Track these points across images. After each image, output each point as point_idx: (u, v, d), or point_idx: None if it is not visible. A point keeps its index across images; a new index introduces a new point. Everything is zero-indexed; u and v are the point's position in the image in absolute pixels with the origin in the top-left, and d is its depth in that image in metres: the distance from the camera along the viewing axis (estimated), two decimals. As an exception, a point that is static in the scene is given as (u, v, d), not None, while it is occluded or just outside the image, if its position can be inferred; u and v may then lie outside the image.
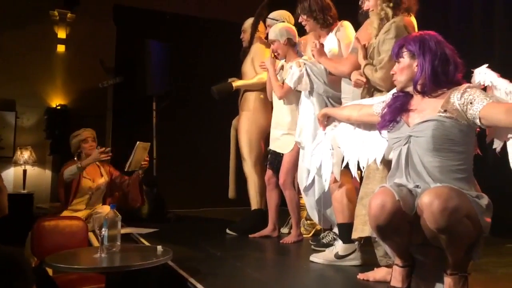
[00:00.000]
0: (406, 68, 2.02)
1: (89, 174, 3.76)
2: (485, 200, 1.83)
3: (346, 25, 3.14)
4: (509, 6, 3.82)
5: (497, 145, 1.94)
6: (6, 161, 5.55)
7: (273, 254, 3.35)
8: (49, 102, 5.84)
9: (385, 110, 2.12)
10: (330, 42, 3.13)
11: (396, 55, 2.06)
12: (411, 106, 2.02)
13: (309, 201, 3.13)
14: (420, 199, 1.77)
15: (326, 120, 2.57)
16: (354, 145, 2.40)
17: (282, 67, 3.55)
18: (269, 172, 3.62)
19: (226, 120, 4.35)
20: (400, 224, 1.84)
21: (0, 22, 5.53)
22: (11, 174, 5.60)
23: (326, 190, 2.74)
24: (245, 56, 4.16)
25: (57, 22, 5.91)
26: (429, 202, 1.71)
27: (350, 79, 2.65)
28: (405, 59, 2.02)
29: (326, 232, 3.18)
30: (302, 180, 3.07)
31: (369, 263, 2.53)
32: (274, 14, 3.87)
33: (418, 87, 1.99)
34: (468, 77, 2.02)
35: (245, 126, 4.03)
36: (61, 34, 5.93)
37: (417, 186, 1.89)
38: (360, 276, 2.36)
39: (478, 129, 1.93)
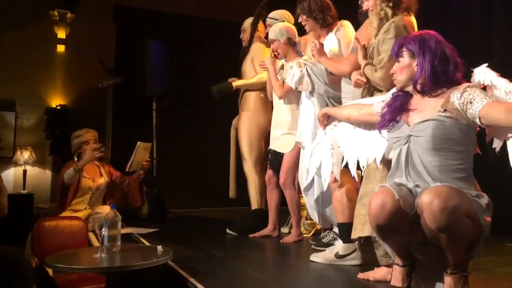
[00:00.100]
0: (406, 67, 2.02)
1: (89, 173, 3.75)
2: (485, 199, 1.83)
3: (346, 25, 3.13)
4: (508, 6, 3.82)
5: (497, 144, 1.94)
6: (6, 161, 5.54)
7: (273, 254, 3.35)
8: (49, 102, 5.83)
9: (385, 109, 2.12)
10: (330, 41, 3.13)
11: (396, 55, 2.06)
12: (411, 106, 2.02)
13: (309, 201, 3.12)
14: (420, 198, 1.77)
15: (326, 120, 2.57)
16: (354, 145, 2.40)
17: (282, 67, 3.55)
18: (269, 172, 3.62)
19: (226, 120, 4.35)
20: (400, 223, 1.84)
21: (0, 22, 5.53)
22: (11, 174, 5.59)
23: (324, 190, 2.74)
24: (245, 56, 4.16)
25: (57, 22, 5.91)
26: (429, 201, 1.71)
27: (350, 79, 2.66)
28: (405, 58, 2.02)
29: (326, 231, 3.18)
30: (303, 180, 3.07)
31: (369, 262, 2.53)
32: (274, 14, 3.86)
33: (418, 87, 1.99)
34: (468, 77, 2.02)
35: (245, 126, 4.02)
36: (61, 34, 5.92)
37: (417, 186, 1.89)
38: (360, 275, 2.36)
39: (478, 129, 1.93)
